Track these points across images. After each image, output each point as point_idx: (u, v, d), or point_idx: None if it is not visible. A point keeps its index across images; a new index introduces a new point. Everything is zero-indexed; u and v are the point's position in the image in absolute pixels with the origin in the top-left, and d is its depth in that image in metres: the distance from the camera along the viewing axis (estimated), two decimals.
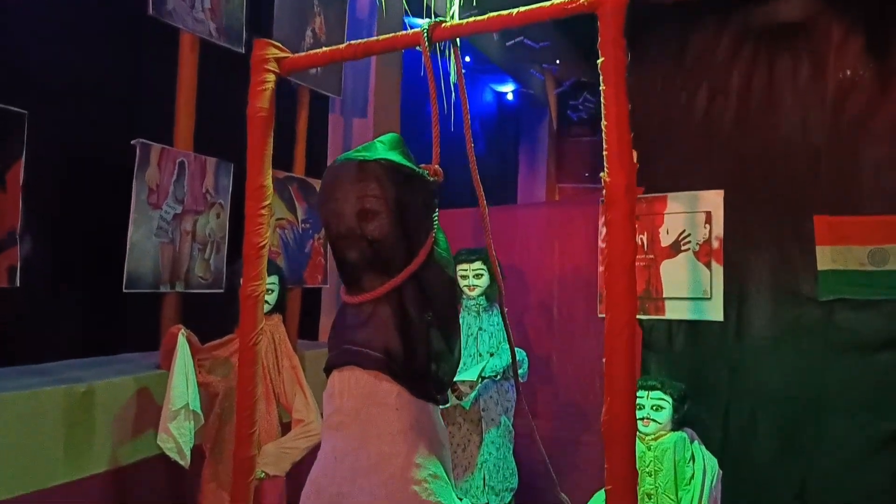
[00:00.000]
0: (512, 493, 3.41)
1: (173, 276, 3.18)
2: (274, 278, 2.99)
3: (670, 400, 2.66)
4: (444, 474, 1.39)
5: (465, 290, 3.41)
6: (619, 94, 1.40)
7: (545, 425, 3.97)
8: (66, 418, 2.68)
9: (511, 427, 3.44)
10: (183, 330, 2.78)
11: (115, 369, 3.09)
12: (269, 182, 1.87)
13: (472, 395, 3.26)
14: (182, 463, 2.71)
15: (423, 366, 1.38)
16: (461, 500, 1.37)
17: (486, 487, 3.27)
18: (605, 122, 1.41)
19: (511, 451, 3.44)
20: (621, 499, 1.33)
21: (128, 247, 2.94)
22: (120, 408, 2.91)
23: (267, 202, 1.85)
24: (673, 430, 2.65)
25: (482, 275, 3.40)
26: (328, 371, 1.45)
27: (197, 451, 2.86)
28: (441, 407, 3.25)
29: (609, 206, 1.43)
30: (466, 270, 3.40)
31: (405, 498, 1.30)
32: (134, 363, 3.24)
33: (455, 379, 3.21)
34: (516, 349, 3.43)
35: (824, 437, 3.14)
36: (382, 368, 1.37)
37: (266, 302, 2.98)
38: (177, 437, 2.65)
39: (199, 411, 2.75)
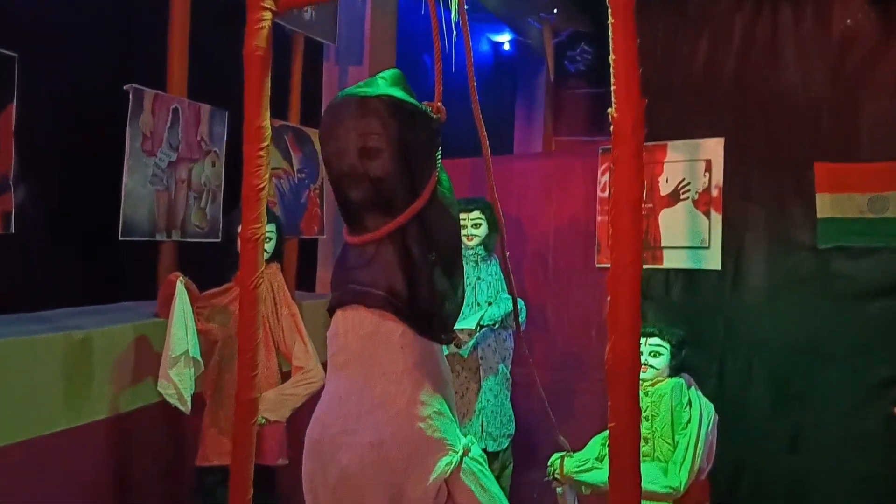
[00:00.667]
0: (509, 439, 3.45)
1: (169, 225, 3.15)
2: (272, 226, 2.96)
3: (668, 346, 2.67)
4: (449, 412, 1.39)
5: (464, 239, 3.39)
6: (627, 28, 1.37)
7: (542, 375, 3.97)
8: (65, 365, 2.69)
9: (508, 375, 3.47)
10: (181, 277, 2.77)
11: (113, 317, 3.09)
12: (267, 123, 1.83)
13: (471, 343, 3.27)
14: (183, 409, 2.72)
15: (427, 305, 1.38)
16: (465, 437, 1.38)
17: (484, 433, 3.31)
18: (613, 57, 1.37)
19: (508, 399, 3.47)
20: (624, 435, 1.34)
21: (123, 194, 2.90)
22: (119, 355, 2.92)
23: (265, 143, 1.82)
24: (670, 376, 2.67)
25: (480, 224, 3.38)
26: (331, 311, 1.45)
27: (197, 399, 2.88)
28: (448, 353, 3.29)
29: (616, 142, 1.40)
30: (465, 220, 3.38)
31: (410, 435, 1.30)
32: (132, 311, 3.24)
33: (455, 328, 3.24)
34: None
35: (818, 384, 3.17)
36: (387, 307, 1.36)
37: (264, 250, 2.96)
38: (177, 383, 2.66)
39: (198, 358, 2.75)
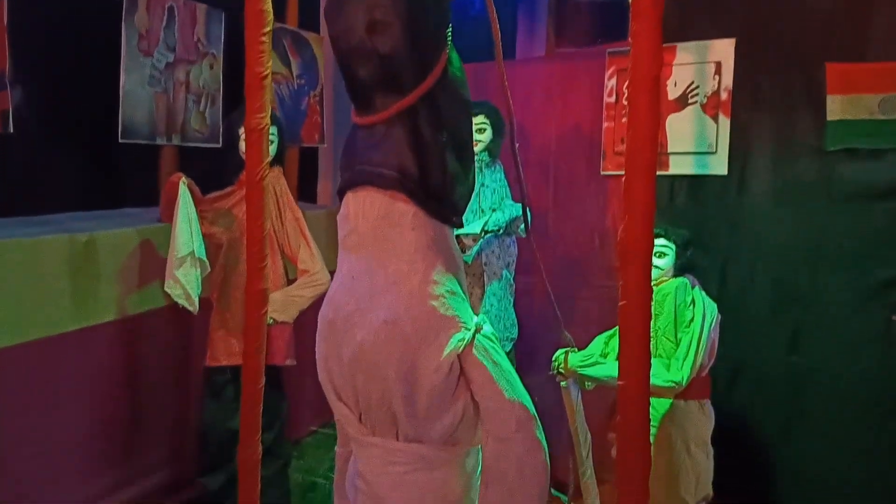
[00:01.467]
0: (512, 343, 3.50)
1: (169, 128, 3.11)
2: (273, 129, 2.91)
3: (673, 247, 2.67)
4: (461, 291, 1.39)
5: None
6: None
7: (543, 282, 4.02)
8: (70, 267, 2.69)
9: (512, 281, 3.48)
10: (184, 178, 2.74)
11: (116, 222, 3.09)
12: (268, 7, 1.77)
13: (475, 248, 3.27)
14: (191, 309, 2.74)
15: (439, 187, 1.36)
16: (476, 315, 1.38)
17: None
18: None
19: (512, 304, 3.50)
20: (634, 315, 1.35)
21: (121, 95, 2.85)
22: (124, 258, 2.92)
23: (268, 28, 1.76)
24: (675, 276, 2.68)
25: (485, 129, 3.33)
26: (342, 194, 1.43)
27: (204, 304, 2.90)
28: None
29: (635, 16, 1.35)
30: None
31: (423, 313, 1.31)
32: (136, 217, 3.23)
33: (457, 233, 3.23)
34: (517, 204, 3.42)
35: (820, 286, 3.19)
36: (398, 188, 1.34)
37: (266, 168, 2.92)
38: (184, 283, 2.67)
39: (204, 259, 2.75)
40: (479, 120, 3.32)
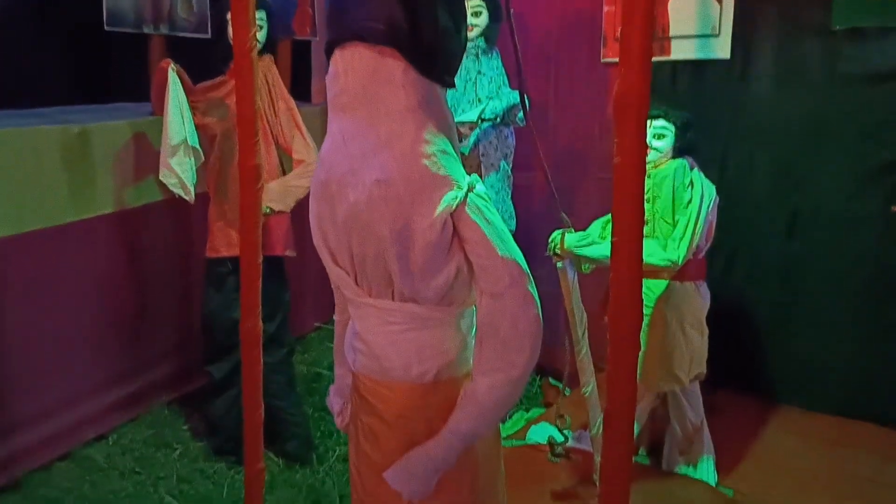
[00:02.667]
0: (510, 235, 3.50)
1: (156, 17, 3.02)
2: (261, 13, 2.83)
3: (673, 128, 2.63)
4: (453, 151, 1.37)
5: None
6: None
7: (543, 174, 3.99)
8: (64, 158, 2.68)
9: (510, 172, 3.45)
10: (173, 64, 2.68)
11: (109, 115, 3.04)
12: None
13: (472, 138, 3.23)
14: (187, 198, 2.74)
15: (430, 41, 1.31)
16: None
17: None
18: None
19: (510, 196, 3.48)
20: (629, 169, 1.33)
21: None
22: (118, 151, 2.90)
23: None
24: (674, 157, 2.65)
25: (481, 12, 3.22)
26: (329, 51, 1.39)
27: (201, 197, 2.89)
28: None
29: None
30: None
31: (416, 172, 1.29)
32: (128, 111, 3.19)
33: (457, 120, 3.18)
34: (514, 92, 3.36)
35: (820, 168, 3.18)
36: (387, 42, 1.30)
37: (255, 40, 2.84)
38: (178, 172, 2.65)
39: (198, 147, 2.73)
40: (474, 2, 3.21)
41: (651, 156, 2.63)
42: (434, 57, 1.34)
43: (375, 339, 1.43)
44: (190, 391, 3.33)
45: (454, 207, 1.31)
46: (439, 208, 1.30)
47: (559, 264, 2.41)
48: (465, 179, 1.36)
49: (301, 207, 2.93)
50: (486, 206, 1.36)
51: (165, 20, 3.04)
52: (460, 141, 3.12)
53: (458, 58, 1.42)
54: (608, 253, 2.43)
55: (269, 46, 2.96)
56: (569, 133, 3.87)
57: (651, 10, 1.30)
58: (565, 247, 2.41)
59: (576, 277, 2.47)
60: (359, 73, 1.34)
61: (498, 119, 3.24)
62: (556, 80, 3.86)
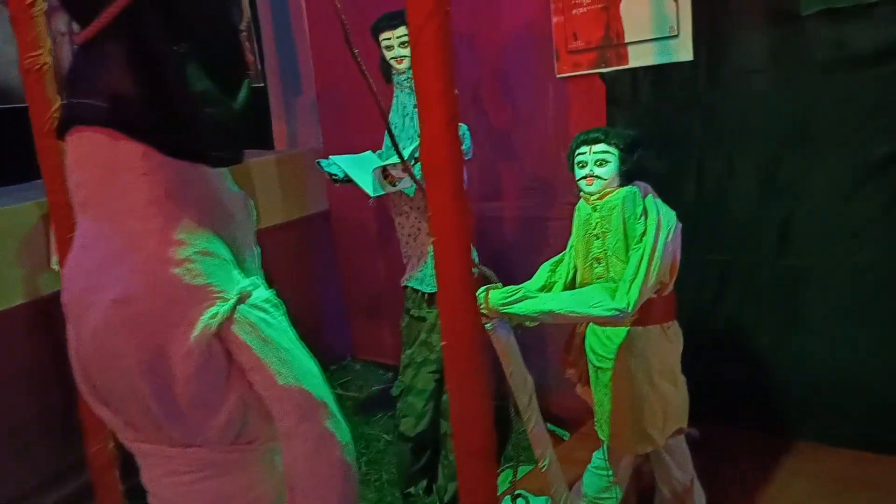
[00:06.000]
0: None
1: None
2: None
3: (616, 151, 2.28)
4: (223, 250, 1.07)
5: (393, 62, 2.96)
6: None
7: (511, 205, 3.67)
8: None
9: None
10: None
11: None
12: None
13: (409, 180, 2.92)
14: None
15: (174, 113, 1.02)
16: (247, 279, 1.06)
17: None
18: None
19: None
20: (447, 247, 1.01)
21: None
22: (28, 233, 2.69)
23: None
24: (621, 185, 2.30)
25: (409, 43, 2.92)
26: (60, 136, 1.11)
27: None
28: (390, 192, 2.94)
29: None
30: (390, 39, 2.93)
31: (164, 284, 1.00)
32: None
33: (383, 163, 2.88)
34: (460, 124, 3.04)
35: (809, 170, 2.78)
36: (113, 123, 1.01)
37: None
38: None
39: None
40: (401, 32, 2.92)
41: (594, 185, 2.29)
42: (183, 132, 1.04)
43: (164, 492, 1.13)
44: None
45: (214, 327, 1.00)
46: (196, 330, 0.99)
47: (488, 326, 2.08)
48: (236, 287, 1.05)
49: None
50: (263, 319, 1.04)
51: None
52: (393, 184, 2.82)
53: (231, 126, 1.11)
54: (544, 307, 2.11)
55: None
56: (534, 158, 3.53)
57: (447, 58, 0.98)
58: (490, 305, 2.07)
59: (512, 338, 2.13)
60: (92, 162, 1.04)
61: None
62: (515, 103, 3.54)
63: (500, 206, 3.69)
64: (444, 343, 1.07)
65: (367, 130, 3.23)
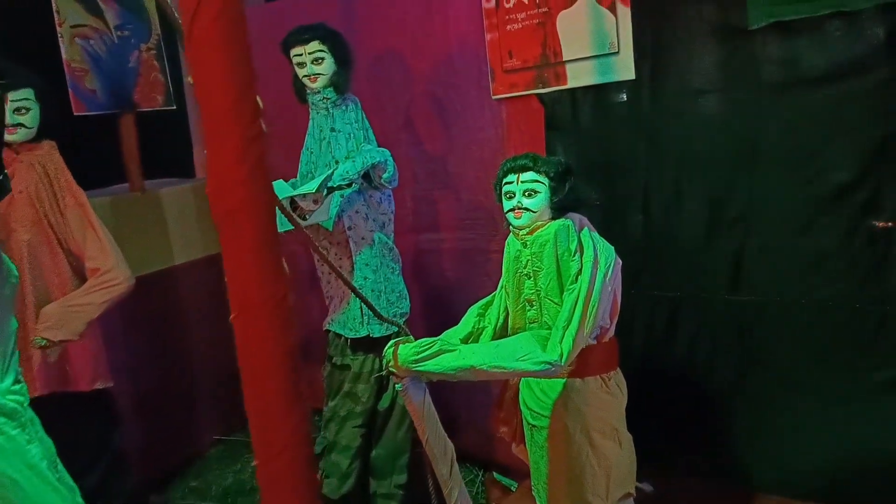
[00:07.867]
0: (405, 318, 2.86)
1: None
2: (27, 92, 2.25)
3: (546, 180, 2.01)
4: None
5: (307, 80, 2.67)
6: None
7: (452, 236, 3.38)
8: None
9: (391, 244, 2.82)
10: None
11: None
12: None
13: (333, 209, 2.61)
14: None
15: None
16: None
17: (365, 317, 2.72)
18: None
19: (396, 272, 2.85)
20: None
21: None
22: None
23: None
24: (553, 218, 2.03)
25: (323, 59, 2.63)
26: None
27: None
28: (304, 227, 2.63)
29: None
30: (302, 55, 2.64)
31: None
32: None
33: (294, 193, 2.57)
34: (379, 149, 2.76)
35: (762, 199, 2.55)
36: None
37: (22, 125, 2.27)
38: None
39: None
40: (312, 47, 2.63)
41: (524, 219, 2.01)
42: None
43: None
44: None
45: None
46: None
47: (398, 386, 1.77)
48: None
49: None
50: None
51: None
52: (304, 218, 2.51)
53: None
54: (464, 363, 1.80)
55: (47, 130, 2.37)
56: (471, 186, 3.26)
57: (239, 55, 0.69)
58: (400, 363, 1.77)
59: (426, 399, 1.83)
60: None
61: (357, 184, 2.64)
62: (450, 128, 3.27)
63: (436, 237, 3.41)
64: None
65: (287, 156, 2.94)
